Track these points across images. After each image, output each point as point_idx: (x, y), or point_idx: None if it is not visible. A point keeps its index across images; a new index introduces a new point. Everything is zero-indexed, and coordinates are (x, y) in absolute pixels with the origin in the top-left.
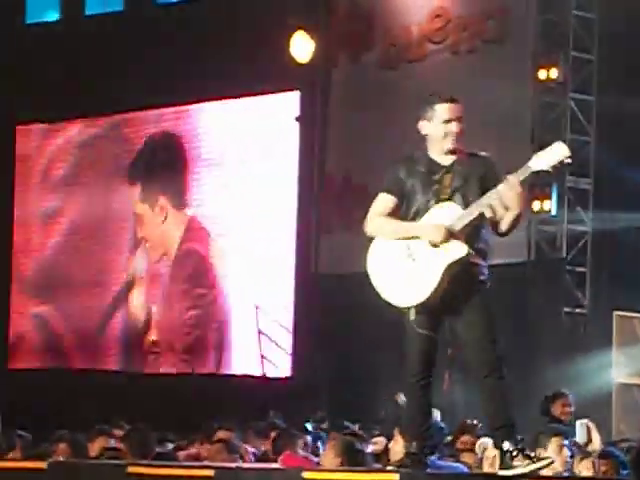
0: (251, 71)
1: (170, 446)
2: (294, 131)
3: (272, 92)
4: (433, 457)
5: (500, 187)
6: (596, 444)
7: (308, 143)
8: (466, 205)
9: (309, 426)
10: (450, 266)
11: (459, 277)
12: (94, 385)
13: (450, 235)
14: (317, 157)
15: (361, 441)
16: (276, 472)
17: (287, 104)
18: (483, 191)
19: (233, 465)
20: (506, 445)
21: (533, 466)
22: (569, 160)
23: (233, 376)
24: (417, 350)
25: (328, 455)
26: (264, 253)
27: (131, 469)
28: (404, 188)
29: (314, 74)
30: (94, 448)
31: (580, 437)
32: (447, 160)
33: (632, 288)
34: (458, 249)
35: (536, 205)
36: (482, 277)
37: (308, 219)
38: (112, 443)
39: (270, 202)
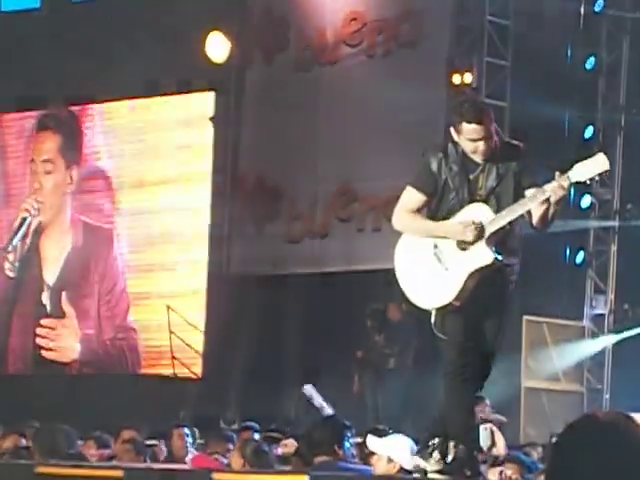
0: (167, 70)
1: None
2: (208, 131)
3: (187, 92)
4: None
5: (533, 192)
6: (500, 448)
7: (222, 143)
8: (500, 206)
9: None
10: (473, 274)
11: (487, 281)
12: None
13: (480, 235)
14: (230, 158)
15: (270, 443)
16: (186, 473)
17: (202, 104)
18: (518, 191)
19: (142, 465)
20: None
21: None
22: (607, 173)
23: (144, 376)
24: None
25: (235, 457)
26: (176, 253)
27: (40, 469)
28: (436, 183)
29: (229, 74)
30: (5, 447)
31: (484, 441)
32: (481, 158)
33: (542, 293)
34: (484, 256)
35: None
36: (512, 277)
37: (221, 219)
38: (23, 442)
39: (183, 202)
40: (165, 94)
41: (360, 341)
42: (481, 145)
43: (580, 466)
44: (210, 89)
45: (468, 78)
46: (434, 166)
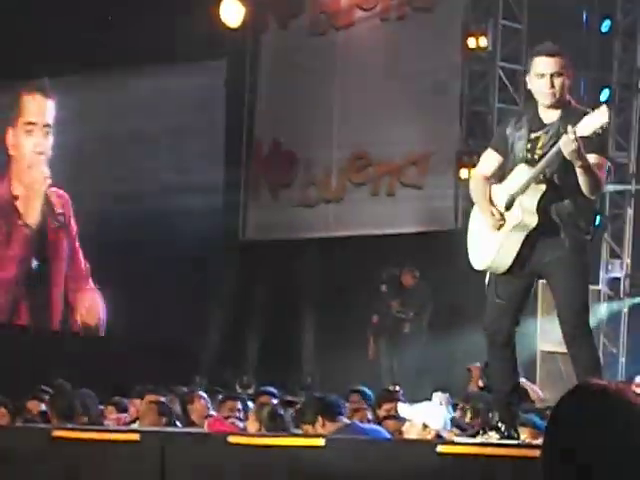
0: (179, 36)
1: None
2: (221, 96)
3: (201, 57)
4: (355, 420)
5: (558, 144)
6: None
7: (236, 109)
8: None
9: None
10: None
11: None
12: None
13: (510, 205)
14: (245, 123)
15: (285, 407)
16: (202, 436)
17: (215, 69)
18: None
19: (159, 429)
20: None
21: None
22: (606, 126)
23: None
24: (489, 311)
25: (251, 420)
26: (191, 220)
27: (56, 433)
28: (506, 143)
29: (244, 39)
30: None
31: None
32: (552, 117)
33: None
34: (527, 219)
35: (463, 173)
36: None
37: (236, 185)
38: (42, 407)
39: (197, 168)
40: (178, 60)
41: (375, 306)
42: (549, 82)
43: (571, 438)
44: (225, 54)
45: (483, 42)
46: (509, 128)
